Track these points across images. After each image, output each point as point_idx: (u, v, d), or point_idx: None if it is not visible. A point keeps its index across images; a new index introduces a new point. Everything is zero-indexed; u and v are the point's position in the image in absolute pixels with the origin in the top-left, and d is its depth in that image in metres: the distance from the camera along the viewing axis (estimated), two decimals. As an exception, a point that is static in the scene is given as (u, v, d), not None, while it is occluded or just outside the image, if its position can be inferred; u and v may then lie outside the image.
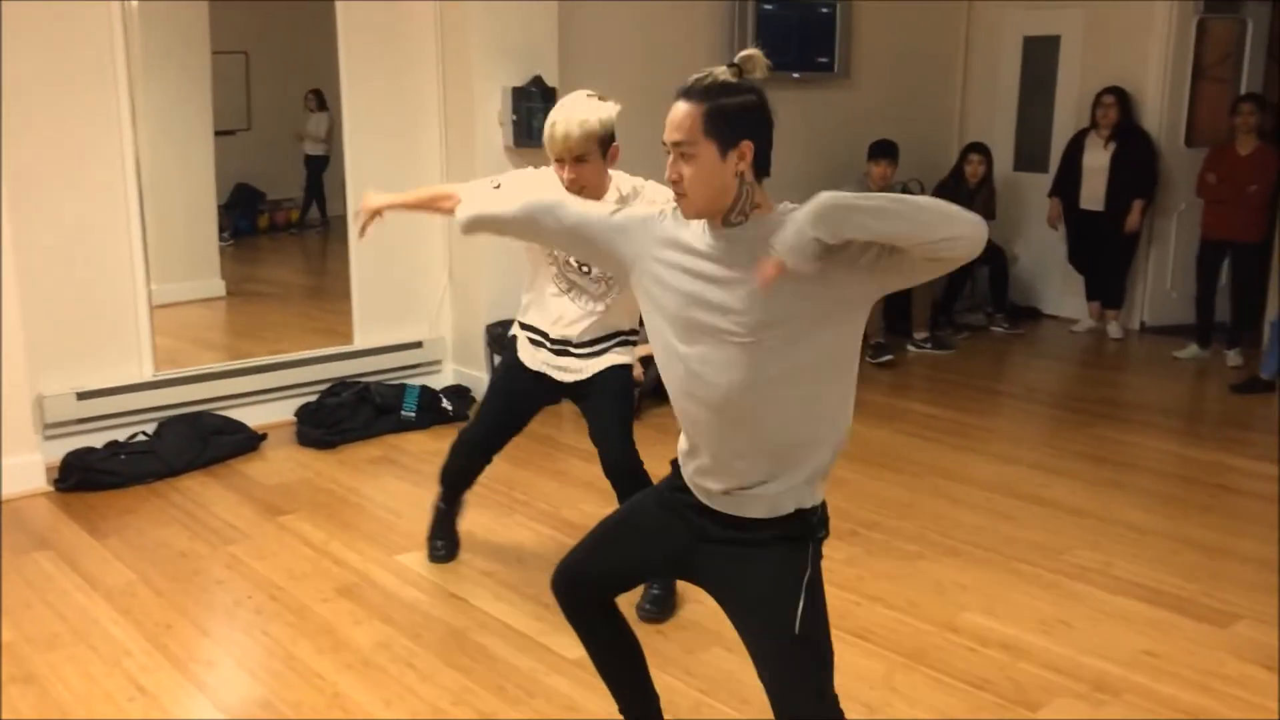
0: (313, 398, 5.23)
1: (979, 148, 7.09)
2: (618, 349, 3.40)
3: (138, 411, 4.80)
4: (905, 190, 7.04)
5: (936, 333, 6.68)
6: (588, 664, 3.05)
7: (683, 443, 2.16)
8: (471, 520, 4.03)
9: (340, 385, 5.30)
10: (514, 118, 5.31)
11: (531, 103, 5.30)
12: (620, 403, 3.39)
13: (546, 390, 3.46)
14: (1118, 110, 6.86)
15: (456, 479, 3.76)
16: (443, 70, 5.51)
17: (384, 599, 3.50)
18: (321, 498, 4.37)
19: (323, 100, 11.31)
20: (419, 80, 5.53)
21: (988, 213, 7.24)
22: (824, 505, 2.15)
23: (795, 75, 6.77)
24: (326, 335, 7.08)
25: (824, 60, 6.88)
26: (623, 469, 3.28)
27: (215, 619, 3.40)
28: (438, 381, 5.60)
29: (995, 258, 7.26)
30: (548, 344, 3.39)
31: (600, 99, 3.14)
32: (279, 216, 11.30)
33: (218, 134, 7.20)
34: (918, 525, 4.04)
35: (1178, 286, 7.21)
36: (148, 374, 4.86)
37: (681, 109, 1.94)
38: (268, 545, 3.90)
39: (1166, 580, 3.57)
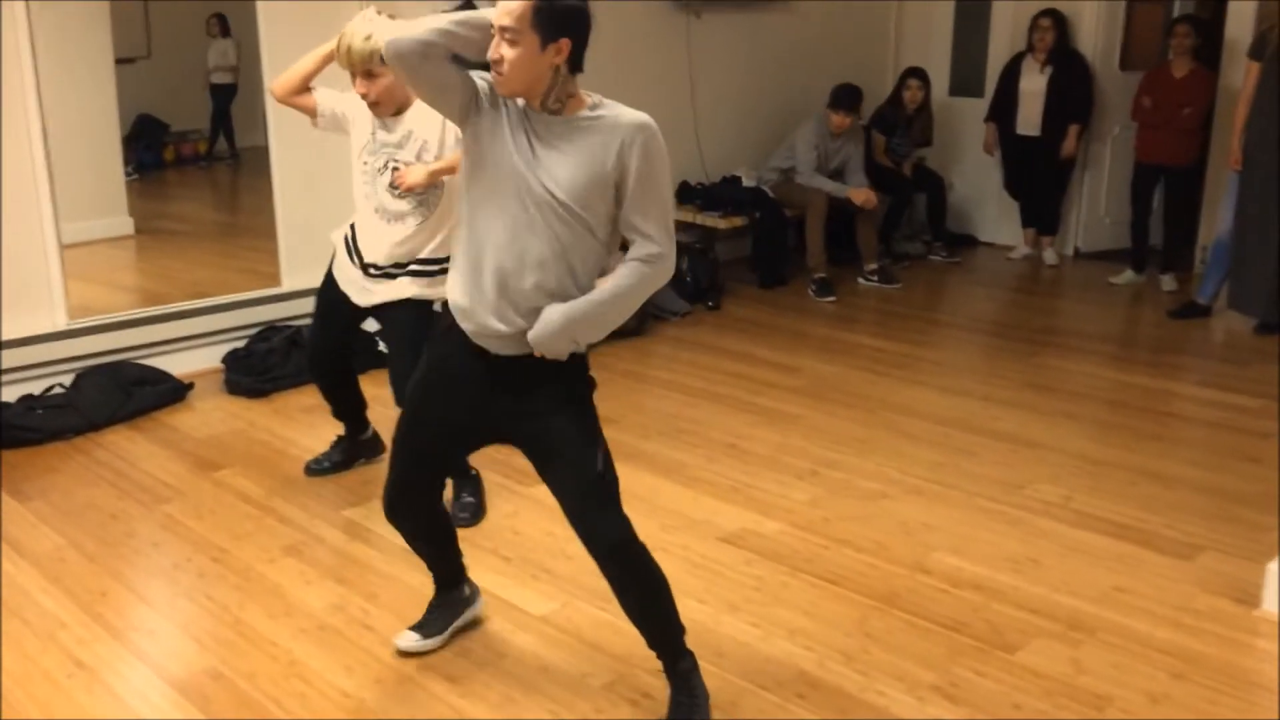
0: (241, 343, 4.98)
1: (917, 72, 6.98)
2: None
3: (52, 363, 4.50)
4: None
5: (885, 265, 6.61)
6: (556, 618, 2.98)
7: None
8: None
9: (270, 330, 5.05)
10: (445, 44, 5.04)
11: (463, 28, 5.03)
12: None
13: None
14: (1054, 33, 6.79)
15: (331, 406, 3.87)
16: (366, -9, 5.21)
17: (334, 558, 3.34)
18: (258, 450, 4.16)
19: (226, 26, 10.74)
20: (340, 9, 5.20)
21: (925, 139, 7.17)
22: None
23: (734, -1, 6.57)
24: (250, 276, 6.76)
25: (762, -17, 6.68)
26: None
27: (154, 584, 3.21)
28: (371, 323, 5.35)
29: (933, 185, 7.20)
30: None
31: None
32: (185, 149, 10.78)
33: (117, 62, 6.78)
34: (877, 463, 3.99)
35: (1111, 212, 7.24)
36: (61, 323, 4.56)
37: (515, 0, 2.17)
38: (204, 503, 3.70)
39: (1128, 513, 3.57)
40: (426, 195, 3.43)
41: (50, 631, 2.92)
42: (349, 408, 3.91)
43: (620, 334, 5.43)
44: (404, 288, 3.53)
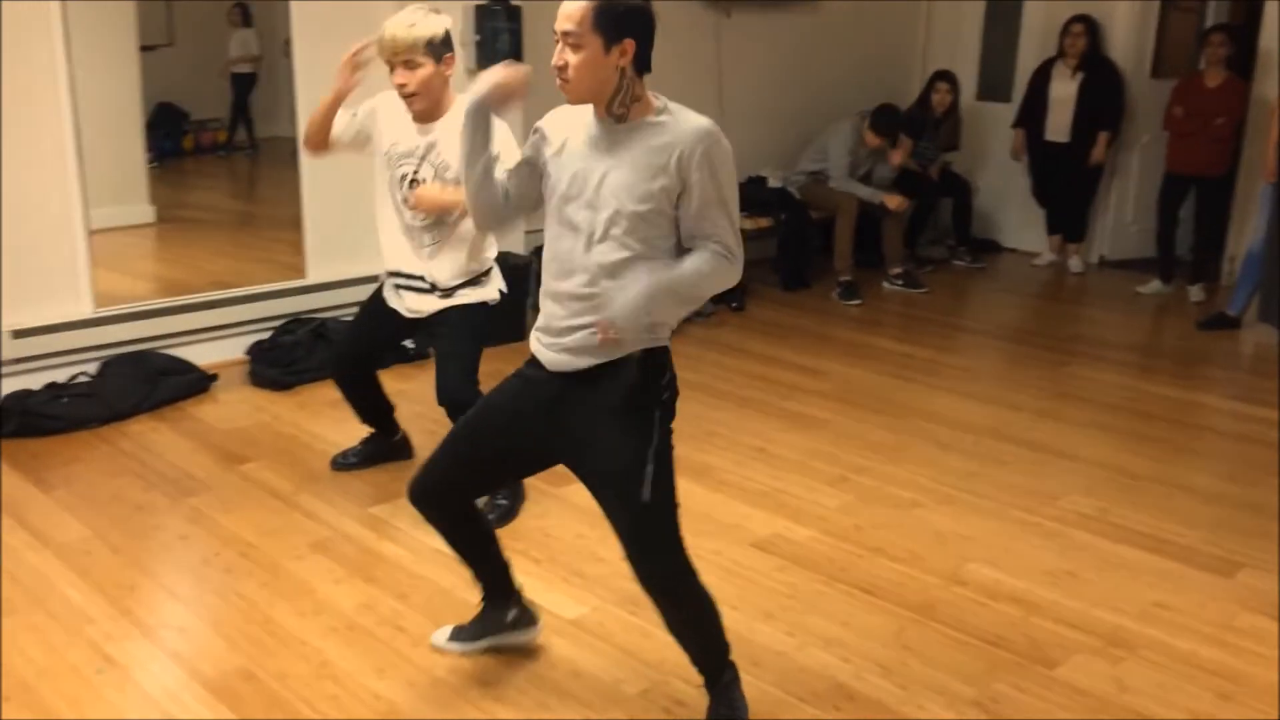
0: (265, 335, 4.95)
1: (946, 76, 6.93)
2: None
3: (77, 350, 4.48)
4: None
5: (910, 270, 6.56)
6: (588, 622, 2.94)
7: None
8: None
9: (294, 322, 5.02)
10: (477, 38, 5.01)
11: (496, 22, 5.00)
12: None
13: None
14: (1086, 39, 6.73)
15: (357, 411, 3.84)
16: (399, -15, 5.17)
17: (363, 555, 3.30)
18: (283, 444, 4.13)
19: (248, 15, 10.72)
20: (371, 8, 5.17)
21: (952, 143, 7.12)
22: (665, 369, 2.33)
23: (763, -2, 6.53)
24: (271, 267, 6.73)
25: (792, -18, 6.63)
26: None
27: (182, 579, 3.18)
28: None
29: (959, 190, 7.15)
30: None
31: (435, 12, 3.29)
32: (205, 137, 10.76)
33: (140, 50, 6.76)
34: (909, 470, 3.94)
35: (1138, 220, 7.17)
36: (86, 310, 4.53)
37: (575, 4, 2.13)
38: (231, 497, 3.67)
39: (1165, 528, 3.52)
40: (441, 217, 3.40)
41: (78, 626, 2.89)
42: (376, 413, 3.87)
43: (645, 334, 5.40)
44: (460, 298, 3.52)
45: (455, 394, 3.33)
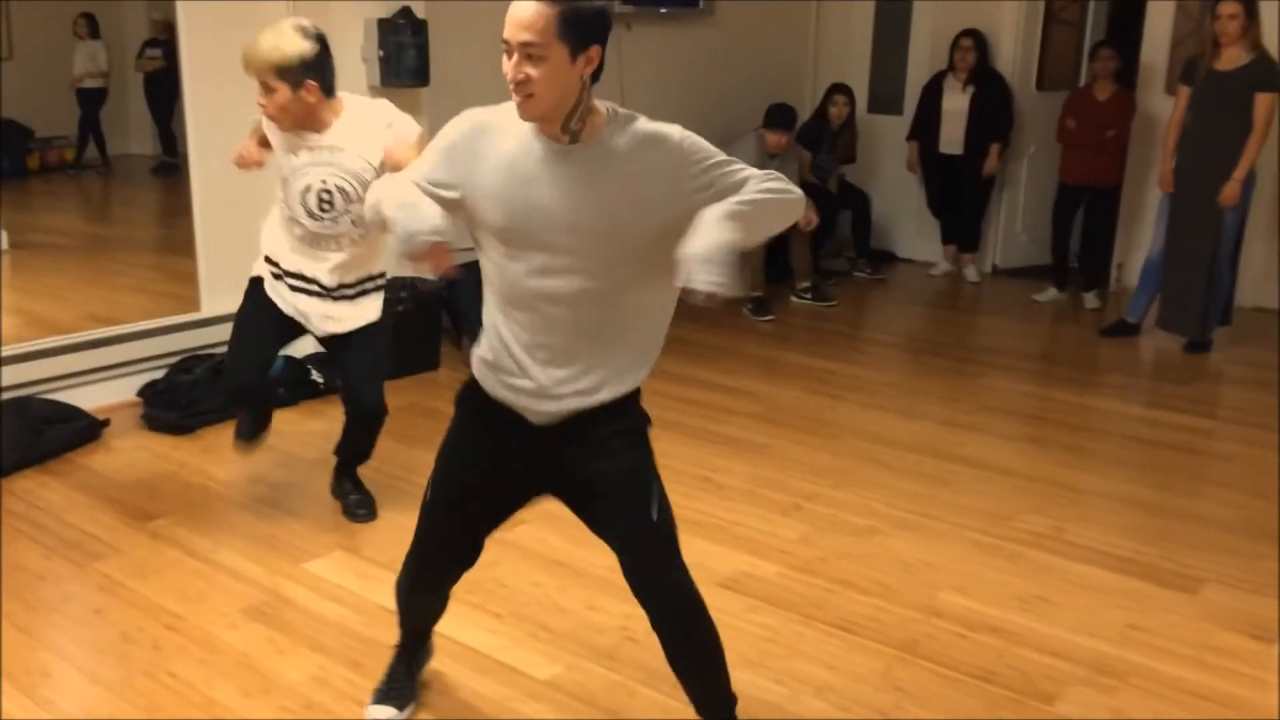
0: (159, 374, 4.58)
1: (843, 89, 6.95)
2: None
3: (-52, 400, 4.06)
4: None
5: (818, 283, 6.54)
6: (564, 683, 2.76)
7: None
8: (379, 516, 3.61)
9: (191, 359, 4.66)
10: (380, 53, 4.75)
11: (400, 36, 4.75)
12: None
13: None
14: (975, 53, 6.85)
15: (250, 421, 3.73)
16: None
17: (305, 620, 3.03)
18: (193, 495, 3.81)
19: (96, 27, 10.07)
20: (267, 11, 4.85)
21: (849, 156, 7.15)
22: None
23: (661, 10, 6.42)
24: (147, 296, 6.31)
25: (689, -5, 6.55)
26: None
27: (104, 661, 2.85)
28: (301, 349, 5.01)
29: (858, 202, 7.19)
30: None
31: (305, 33, 3.13)
32: (51, 156, 10.06)
33: (-19, 62, 6.28)
34: (859, 495, 3.87)
35: (1028, 229, 7.35)
36: (-42, 356, 4.11)
37: (531, 8, 1.89)
38: (145, 560, 3.34)
39: (1121, 544, 3.53)
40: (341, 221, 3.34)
41: (-11, 722, 2.56)
42: (266, 417, 3.75)
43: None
44: (368, 310, 3.49)
45: (375, 405, 3.46)
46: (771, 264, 6.39)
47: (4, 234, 6.88)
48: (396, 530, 3.52)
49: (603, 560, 3.31)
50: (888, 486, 3.95)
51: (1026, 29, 7.05)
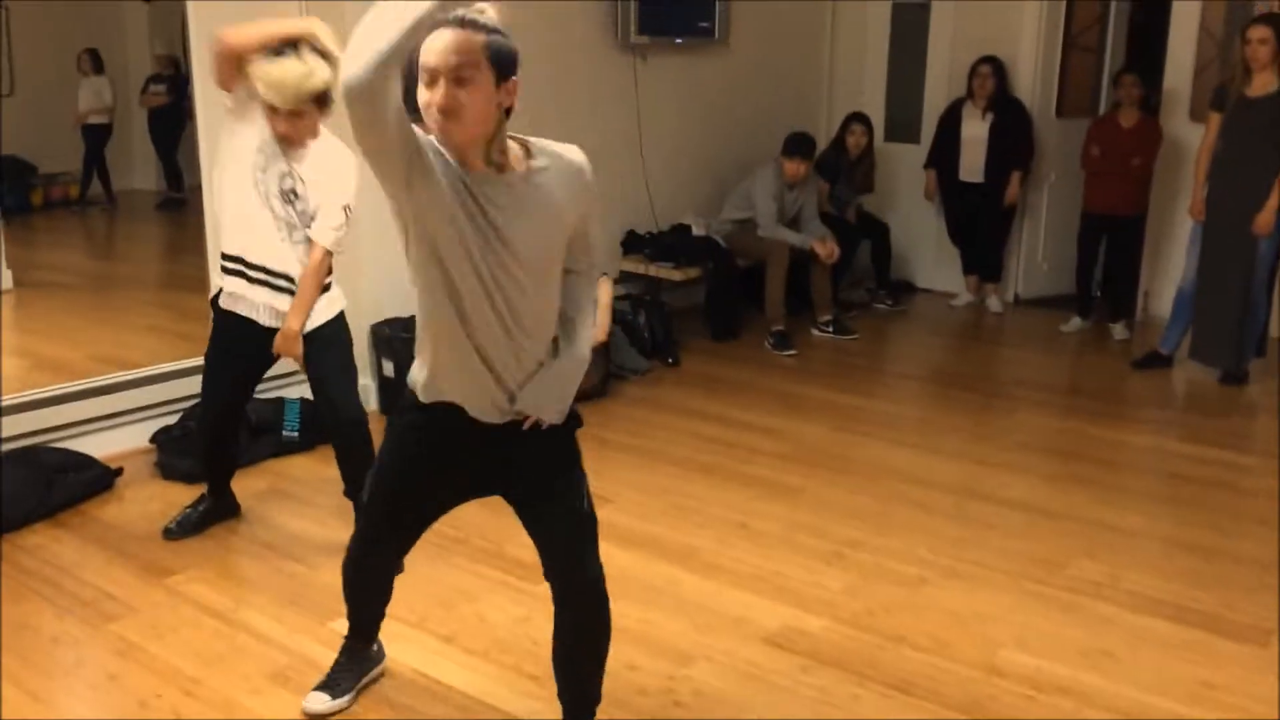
0: (171, 419, 4.43)
1: (861, 118, 6.85)
2: None
3: (-45, 449, 3.92)
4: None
5: (838, 316, 6.42)
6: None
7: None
8: (407, 569, 3.45)
9: (205, 403, 4.51)
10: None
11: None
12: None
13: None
14: (994, 80, 6.75)
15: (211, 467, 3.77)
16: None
17: (333, 684, 2.88)
18: (211, 548, 3.66)
19: (100, 62, 9.99)
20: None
21: (867, 185, 7.04)
22: None
23: (678, 40, 6.32)
24: (158, 335, 6.18)
25: (705, 25, 6.44)
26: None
27: (122, 732, 2.71)
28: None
29: (877, 232, 7.07)
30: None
31: (322, 55, 3.10)
32: (55, 192, 10.00)
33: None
34: (901, 541, 3.72)
35: (1049, 258, 7.23)
36: (-34, 403, 3.97)
37: (459, 34, 1.94)
38: (161, 619, 3.19)
39: (1181, 592, 3.38)
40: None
41: (2, 802, 2.41)
42: (225, 470, 3.77)
43: (583, 396, 5.07)
44: (335, 302, 3.51)
45: (353, 411, 3.47)
46: (792, 296, 6.27)
47: (8, 272, 6.77)
48: (425, 584, 3.39)
49: (635, 612, 3.21)
50: (930, 531, 3.80)
51: (1045, 55, 6.95)
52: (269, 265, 3.37)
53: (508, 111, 2.04)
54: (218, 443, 3.69)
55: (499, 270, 2.09)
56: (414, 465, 2.37)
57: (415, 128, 1.95)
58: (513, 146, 2.09)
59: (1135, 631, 3.16)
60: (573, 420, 2.35)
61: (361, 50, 1.80)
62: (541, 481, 2.34)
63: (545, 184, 2.11)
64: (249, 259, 3.38)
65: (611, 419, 4.94)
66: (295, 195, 3.33)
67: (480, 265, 2.07)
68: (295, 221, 3.35)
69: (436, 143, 2.01)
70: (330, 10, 4.63)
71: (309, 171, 3.32)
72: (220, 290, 3.49)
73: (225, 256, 3.42)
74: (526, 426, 2.24)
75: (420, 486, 2.40)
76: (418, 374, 2.28)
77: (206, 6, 4.34)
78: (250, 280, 3.39)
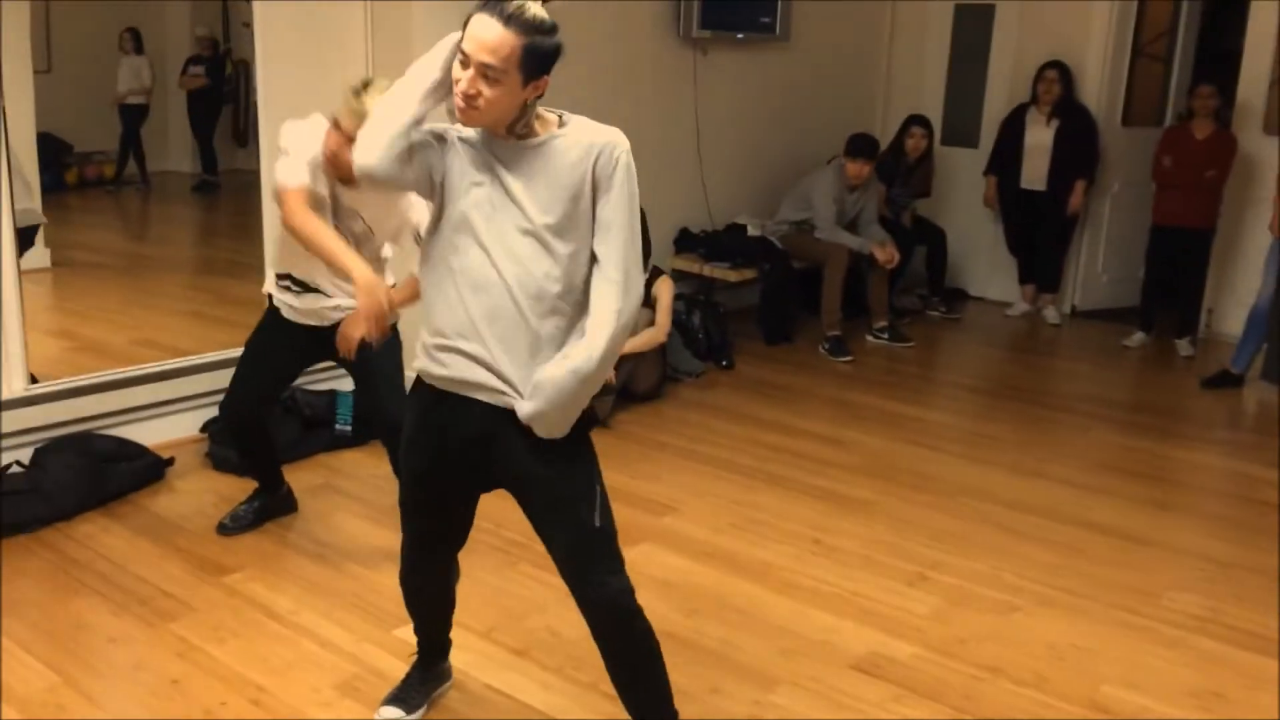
0: (223, 409, 4.30)
1: (921, 120, 6.68)
2: None
3: (6, 436, 3.78)
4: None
5: (894, 322, 6.25)
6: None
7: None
8: (470, 577, 3.31)
9: (257, 393, 4.38)
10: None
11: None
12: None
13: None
14: (1060, 86, 6.57)
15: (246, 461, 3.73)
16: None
17: (405, 698, 2.74)
18: (267, 545, 3.53)
19: (140, 42, 9.86)
20: (343, 10, 4.60)
21: (925, 189, 6.88)
22: None
23: (739, 36, 6.16)
24: (198, 320, 6.08)
25: (766, 20, 6.28)
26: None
27: (187, 742, 2.57)
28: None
29: (934, 237, 6.90)
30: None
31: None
32: (89, 171, 9.85)
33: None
34: (987, 564, 3.57)
35: (1109, 270, 7.05)
36: (18, 387, 3.84)
37: (499, 32, 1.96)
38: (221, 620, 3.06)
39: (1286, 629, 3.22)
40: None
41: (65, 816, 2.27)
42: (267, 462, 3.66)
43: (639, 398, 4.94)
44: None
45: (391, 407, 3.22)
46: (848, 302, 6.11)
47: (46, 250, 6.65)
48: (489, 591, 3.25)
49: (715, 632, 3.06)
50: (1016, 555, 3.64)
51: (1113, 62, 6.77)
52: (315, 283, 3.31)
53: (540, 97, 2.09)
54: (242, 434, 3.57)
55: (510, 232, 2.10)
56: (416, 449, 2.32)
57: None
58: (549, 118, 2.14)
59: (1247, 672, 2.99)
60: (582, 420, 2.21)
61: (375, 137, 2.07)
62: (542, 482, 2.23)
63: (556, 149, 2.10)
64: (294, 274, 3.32)
65: (666, 422, 4.79)
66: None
67: (492, 221, 2.10)
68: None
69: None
70: (396, 10, 4.51)
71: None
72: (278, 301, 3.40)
73: (286, 277, 3.34)
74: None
75: (428, 475, 2.33)
76: (419, 353, 2.26)
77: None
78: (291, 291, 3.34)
